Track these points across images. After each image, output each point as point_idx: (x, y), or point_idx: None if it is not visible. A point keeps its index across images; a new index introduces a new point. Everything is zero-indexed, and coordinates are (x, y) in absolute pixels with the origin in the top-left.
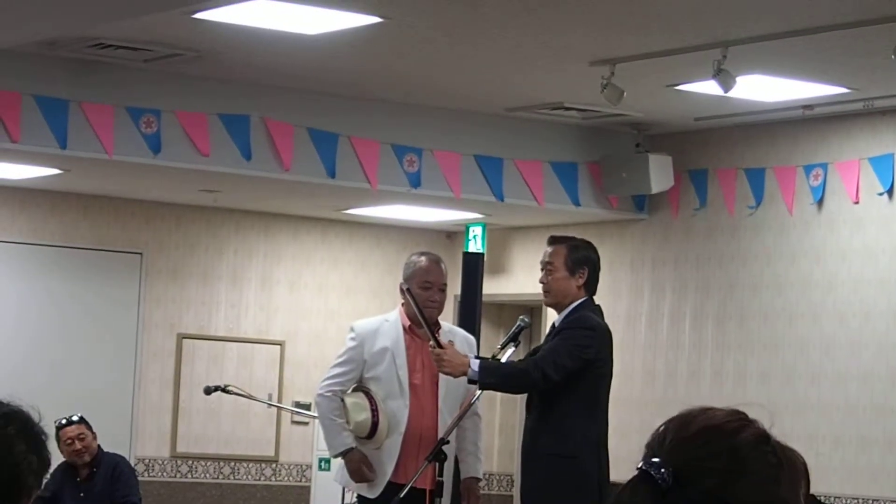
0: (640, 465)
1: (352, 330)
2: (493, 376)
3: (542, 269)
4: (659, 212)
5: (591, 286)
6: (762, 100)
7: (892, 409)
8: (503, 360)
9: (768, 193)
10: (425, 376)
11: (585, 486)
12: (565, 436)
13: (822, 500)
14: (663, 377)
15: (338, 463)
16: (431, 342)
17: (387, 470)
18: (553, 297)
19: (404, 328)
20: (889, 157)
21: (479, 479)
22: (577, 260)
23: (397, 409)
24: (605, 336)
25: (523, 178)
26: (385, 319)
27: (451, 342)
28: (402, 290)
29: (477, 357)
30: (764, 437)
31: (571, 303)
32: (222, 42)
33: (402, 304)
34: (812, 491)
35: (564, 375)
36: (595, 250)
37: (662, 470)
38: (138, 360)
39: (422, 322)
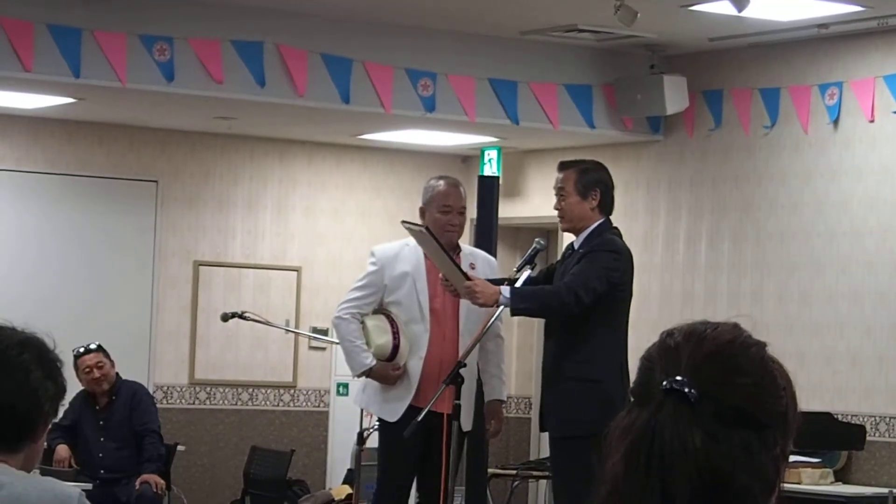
0: (666, 385)
1: (372, 255)
2: (525, 301)
3: (556, 196)
4: (674, 133)
5: (605, 207)
6: (777, 19)
7: None
8: (519, 283)
9: (783, 113)
10: (446, 301)
11: (610, 410)
12: (589, 360)
13: (840, 419)
14: (680, 299)
15: (358, 386)
16: (442, 275)
17: (407, 394)
18: (569, 221)
19: (425, 253)
20: None
21: (503, 402)
22: (587, 182)
23: (418, 334)
24: (629, 259)
25: (538, 101)
26: (405, 244)
27: (472, 265)
28: (421, 213)
29: (507, 283)
30: (765, 350)
31: (588, 225)
32: None
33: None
34: (830, 409)
35: (594, 298)
36: (606, 170)
37: (688, 389)
38: (155, 288)
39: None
